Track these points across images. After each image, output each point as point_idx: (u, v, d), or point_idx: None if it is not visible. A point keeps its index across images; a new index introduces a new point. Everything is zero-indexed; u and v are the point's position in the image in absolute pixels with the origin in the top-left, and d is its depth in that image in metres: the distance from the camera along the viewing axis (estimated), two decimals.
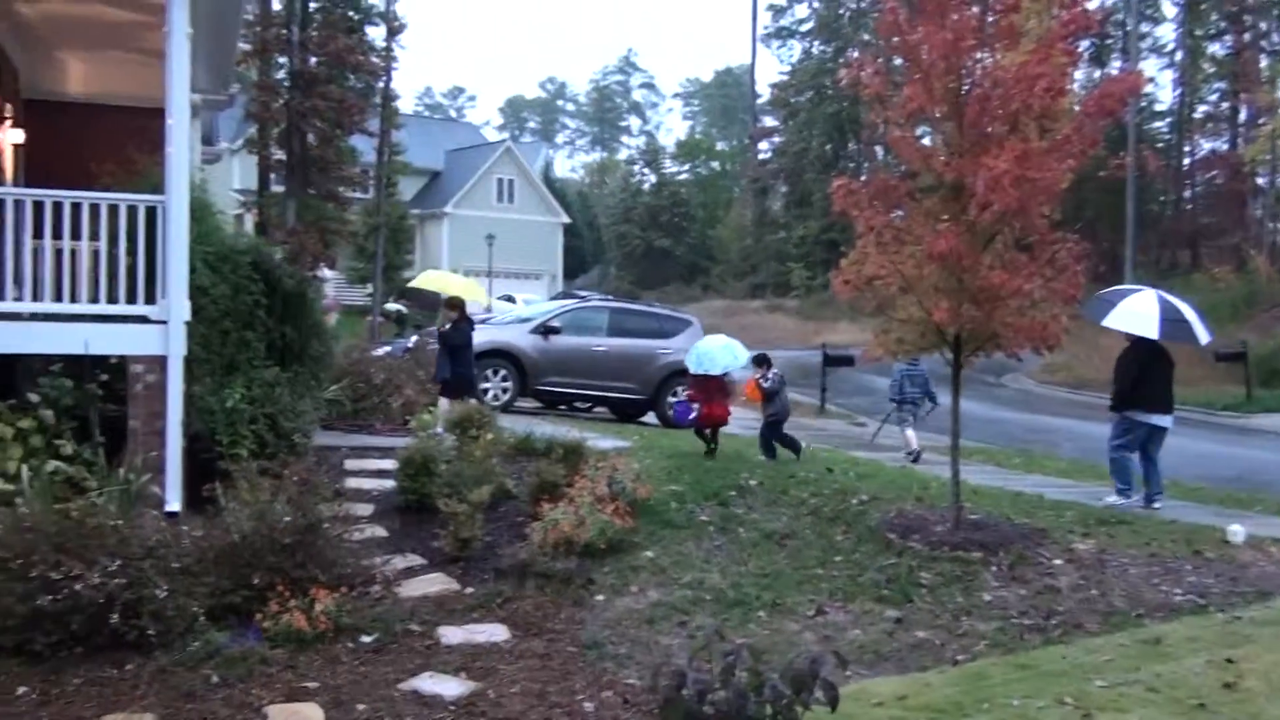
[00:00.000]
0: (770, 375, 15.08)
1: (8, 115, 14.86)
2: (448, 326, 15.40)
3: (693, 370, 14.94)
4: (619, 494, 11.37)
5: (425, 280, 20.83)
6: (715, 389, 14.53)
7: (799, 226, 70.55)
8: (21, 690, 7.59)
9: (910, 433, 18.28)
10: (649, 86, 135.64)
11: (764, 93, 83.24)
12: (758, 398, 15.21)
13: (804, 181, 71.51)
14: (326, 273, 42.51)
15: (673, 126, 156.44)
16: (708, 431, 14.47)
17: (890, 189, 11.20)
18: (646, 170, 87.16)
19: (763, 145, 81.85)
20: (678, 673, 5.91)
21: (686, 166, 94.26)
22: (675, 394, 20.51)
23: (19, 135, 15.30)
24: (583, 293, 33.50)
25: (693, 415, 15.66)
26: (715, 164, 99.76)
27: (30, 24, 13.95)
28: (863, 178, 12.37)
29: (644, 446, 14.71)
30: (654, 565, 10.49)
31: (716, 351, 14.61)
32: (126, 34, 13.77)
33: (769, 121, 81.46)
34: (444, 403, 14.95)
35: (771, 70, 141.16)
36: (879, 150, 54.01)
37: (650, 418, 21.05)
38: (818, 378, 30.41)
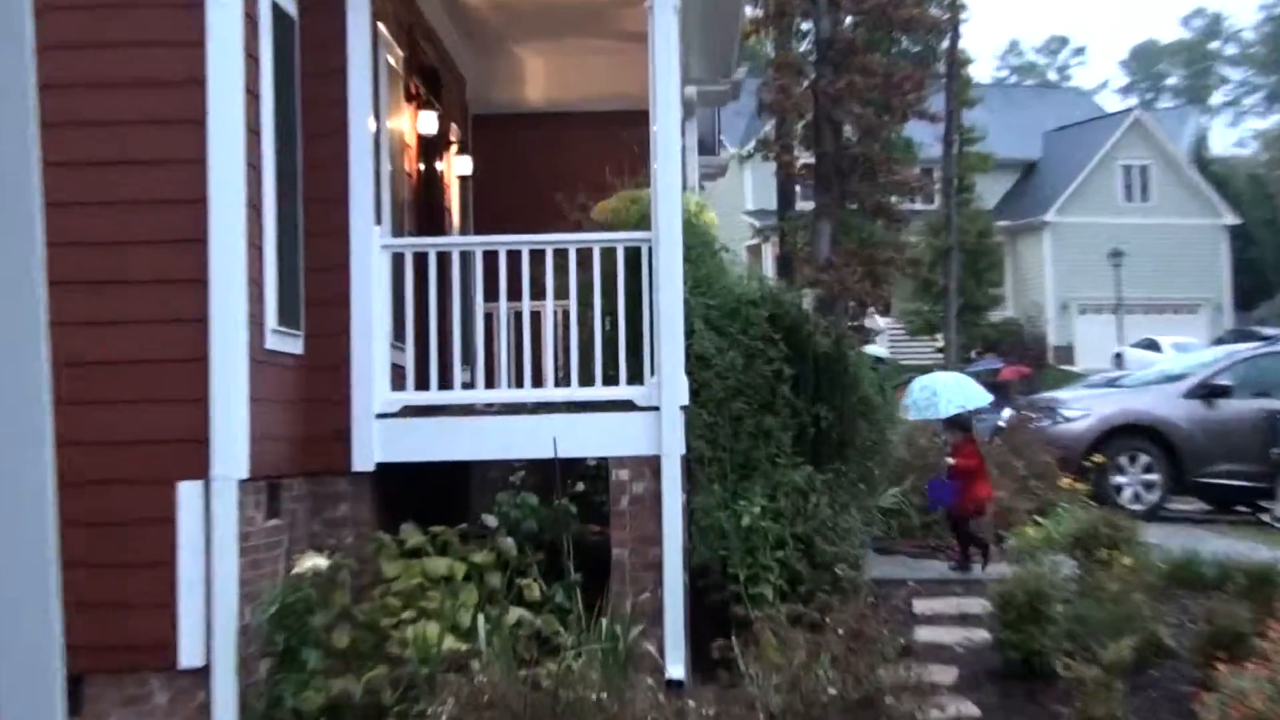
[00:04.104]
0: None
1: (454, 138, 16.11)
2: None
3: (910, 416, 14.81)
4: None
5: None
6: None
7: None
8: None
9: None
10: None
11: None
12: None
13: None
14: (878, 321, 43.19)
15: None
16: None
17: None
18: None
19: None
20: None
21: None
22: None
23: (466, 164, 16.59)
24: (1269, 331, 31.92)
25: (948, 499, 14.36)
26: None
27: (479, 17, 15.15)
28: None
29: None
30: None
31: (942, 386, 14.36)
32: (594, 18, 14.67)
33: None
34: None
35: None
36: None
37: None
38: None
